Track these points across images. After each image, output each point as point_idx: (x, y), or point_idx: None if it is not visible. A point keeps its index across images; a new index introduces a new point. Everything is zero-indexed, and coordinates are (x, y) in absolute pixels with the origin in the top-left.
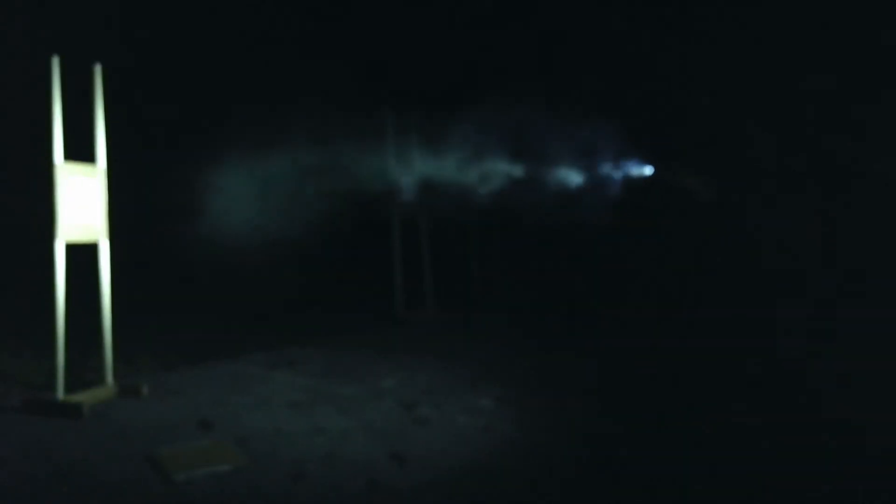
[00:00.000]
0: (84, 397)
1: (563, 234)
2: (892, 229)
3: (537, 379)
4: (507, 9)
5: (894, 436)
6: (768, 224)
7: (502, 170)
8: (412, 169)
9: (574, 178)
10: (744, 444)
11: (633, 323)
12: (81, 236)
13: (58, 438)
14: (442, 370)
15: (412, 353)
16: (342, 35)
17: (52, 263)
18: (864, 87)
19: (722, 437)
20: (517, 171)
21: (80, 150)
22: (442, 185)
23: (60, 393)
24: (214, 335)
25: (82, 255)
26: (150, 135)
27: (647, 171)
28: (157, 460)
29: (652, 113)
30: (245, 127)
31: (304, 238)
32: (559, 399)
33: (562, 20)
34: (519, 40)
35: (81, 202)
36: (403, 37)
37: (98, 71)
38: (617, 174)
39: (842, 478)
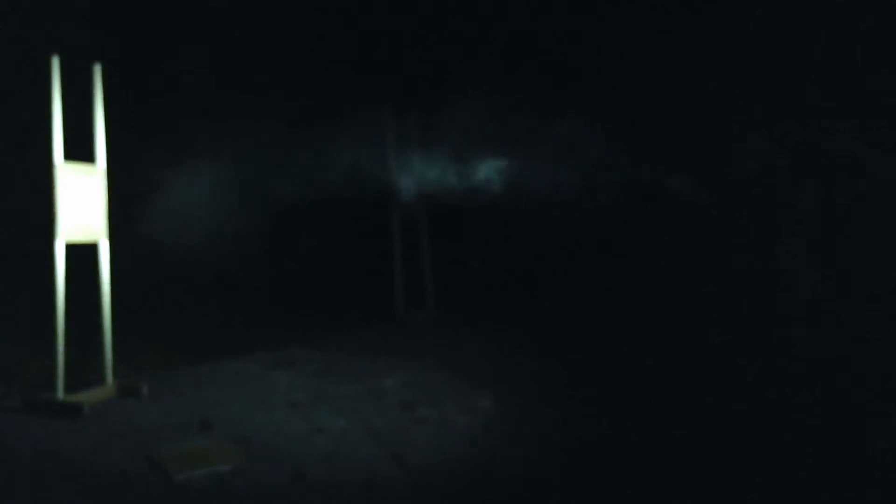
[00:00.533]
0: (84, 397)
1: (562, 234)
2: (892, 229)
3: (537, 379)
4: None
5: (894, 435)
6: (764, 224)
7: (501, 169)
8: (412, 169)
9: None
10: (743, 445)
11: (633, 322)
12: (81, 236)
13: (58, 438)
14: (442, 370)
15: (412, 353)
16: (342, 34)
17: (52, 263)
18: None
19: (721, 436)
20: (515, 170)
21: (80, 150)
22: (441, 184)
23: (60, 393)
24: (215, 335)
25: (82, 256)
26: (149, 134)
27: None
28: (157, 460)
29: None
30: (244, 127)
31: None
32: (559, 399)
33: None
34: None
35: (81, 202)
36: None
37: (98, 71)
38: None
39: (841, 478)
